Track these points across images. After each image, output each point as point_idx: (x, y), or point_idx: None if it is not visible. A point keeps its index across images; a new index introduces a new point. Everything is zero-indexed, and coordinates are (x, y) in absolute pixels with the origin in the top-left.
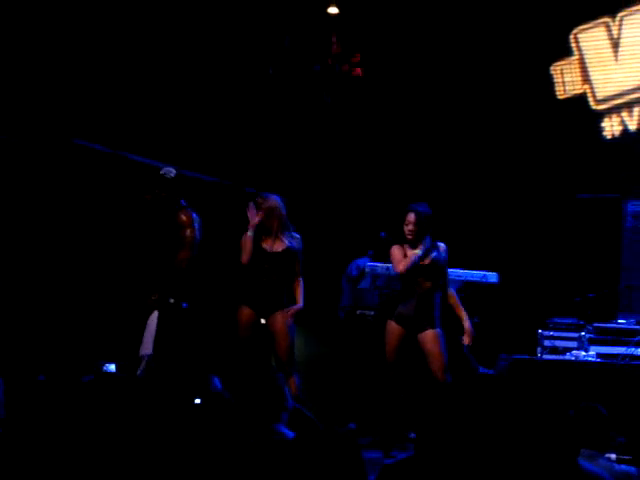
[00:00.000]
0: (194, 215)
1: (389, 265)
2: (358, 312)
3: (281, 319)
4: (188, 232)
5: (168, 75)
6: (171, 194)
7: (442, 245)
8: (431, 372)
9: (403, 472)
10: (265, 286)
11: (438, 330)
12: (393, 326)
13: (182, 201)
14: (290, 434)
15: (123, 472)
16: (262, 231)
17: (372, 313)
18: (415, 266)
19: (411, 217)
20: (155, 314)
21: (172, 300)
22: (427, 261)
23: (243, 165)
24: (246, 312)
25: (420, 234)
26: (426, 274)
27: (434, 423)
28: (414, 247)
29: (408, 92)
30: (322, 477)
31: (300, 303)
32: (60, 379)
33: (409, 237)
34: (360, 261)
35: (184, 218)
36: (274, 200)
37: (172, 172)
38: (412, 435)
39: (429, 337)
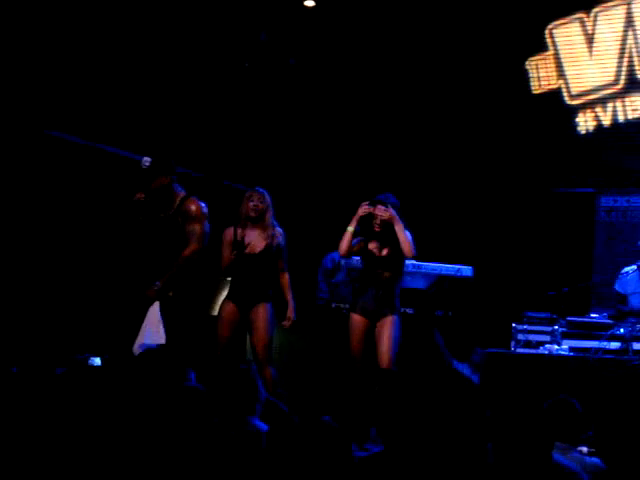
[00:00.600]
0: (203, 206)
1: None
2: (333, 305)
3: (263, 312)
4: (197, 227)
5: (140, 67)
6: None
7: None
8: (377, 356)
9: (377, 465)
10: (247, 283)
11: (395, 316)
12: (356, 318)
13: (178, 186)
14: (264, 427)
15: (97, 465)
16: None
17: (347, 306)
18: (370, 256)
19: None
20: (156, 306)
21: (171, 293)
22: (385, 252)
23: (219, 158)
24: (229, 308)
25: (388, 225)
26: (385, 265)
27: (389, 414)
28: (382, 240)
29: (383, 86)
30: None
31: (292, 305)
32: (33, 371)
33: (376, 229)
34: (335, 254)
35: (193, 209)
36: (268, 197)
37: (147, 161)
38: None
39: (384, 321)
